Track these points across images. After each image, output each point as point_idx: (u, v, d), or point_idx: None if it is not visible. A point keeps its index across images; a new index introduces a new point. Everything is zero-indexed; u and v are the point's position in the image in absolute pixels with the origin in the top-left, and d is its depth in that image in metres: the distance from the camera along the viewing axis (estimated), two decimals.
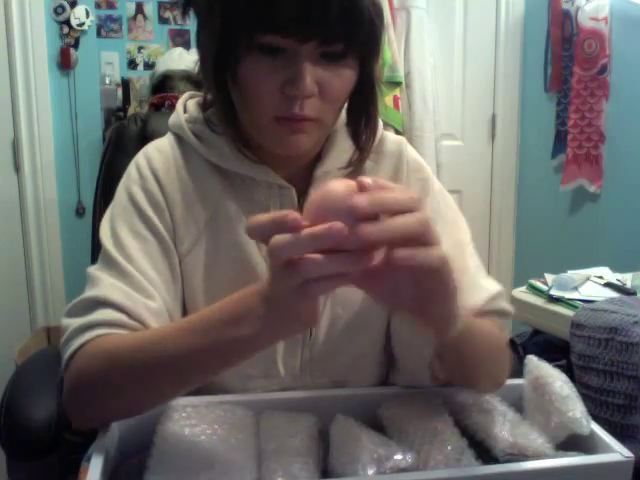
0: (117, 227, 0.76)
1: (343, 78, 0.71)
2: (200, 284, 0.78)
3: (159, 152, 0.81)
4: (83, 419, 0.69)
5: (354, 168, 0.81)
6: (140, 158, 0.82)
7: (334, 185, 0.52)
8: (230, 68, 0.70)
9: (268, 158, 0.78)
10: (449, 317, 0.58)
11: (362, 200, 0.49)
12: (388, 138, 0.87)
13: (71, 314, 0.71)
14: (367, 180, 0.51)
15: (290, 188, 0.79)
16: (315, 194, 0.53)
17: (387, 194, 0.51)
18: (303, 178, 0.81)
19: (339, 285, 0.51)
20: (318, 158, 0.81)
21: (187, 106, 0.85)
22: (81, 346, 0.67)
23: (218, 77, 0.72)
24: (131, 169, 0.81)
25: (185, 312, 0.78)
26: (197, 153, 0.80)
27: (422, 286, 0.54)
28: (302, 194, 0.80)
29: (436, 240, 0.52)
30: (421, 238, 0.51)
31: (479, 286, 0.78)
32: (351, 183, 0.52)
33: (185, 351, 0.61)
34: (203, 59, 0.75)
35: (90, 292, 0.72)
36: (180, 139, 0.82)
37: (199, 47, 0.75)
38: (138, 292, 0.72)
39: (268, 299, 0.56)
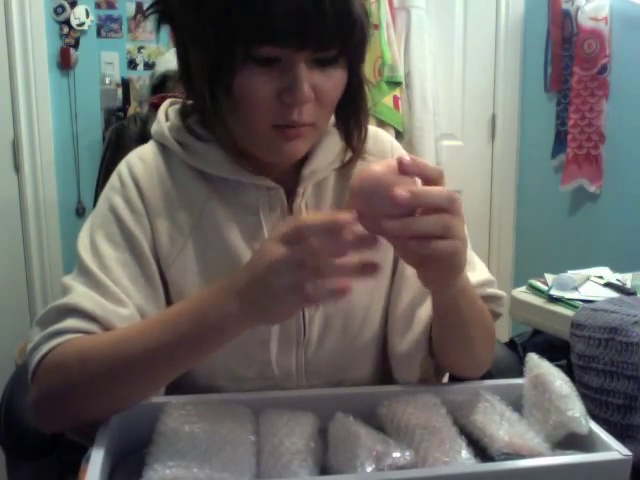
0: (95, 236, 0.76)
1: (336, 80, 0.71)
2: (192, 290, 0.77)
3: (141, 160, 0.80)
4: (56, 422, 0.69)
5: (342, 165, 0.81)
6: (122, 166, 0.81)
7: (375, 168, 0.59)
8: (224, 81, 0.69)
9: (258, 164, 0.78)
10: (451, 283, 0.66)
11: (403, 194, 0.56)
12: (374, 139, 0.87)
13: (40, 323, 0.71)
14: (406, 159, 0.58)
15: (278, 189, 0.79)
16: (358, 177, 0.61)
17: (426, 192, 0.58)
18: (291, 177, 0.80)
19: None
20: (305, 157, 0.81)
21: (168, 114, 0.84)
22: (50, 350, 0.67)
23: (211, 91, 0.71)
24: (113, 178, 0.81)
25: None
26: (181, 160, 0.79)
27: (435, 264, 0.62)
28: (290, 194, 0.80)
29: (456, 235, 0.59)
30: (444, 235, 0.58)
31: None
32: (392, 164, 0.59)
33: (155, 345, 0.63)
34: (190, 73, 0.73)
35: (61, 300, 0.71)
36: (163, 147, 0.81)
37: (182, 61, 0.74)
38: (109, 301, 0.71)
39: (243, 295, 0.59)
